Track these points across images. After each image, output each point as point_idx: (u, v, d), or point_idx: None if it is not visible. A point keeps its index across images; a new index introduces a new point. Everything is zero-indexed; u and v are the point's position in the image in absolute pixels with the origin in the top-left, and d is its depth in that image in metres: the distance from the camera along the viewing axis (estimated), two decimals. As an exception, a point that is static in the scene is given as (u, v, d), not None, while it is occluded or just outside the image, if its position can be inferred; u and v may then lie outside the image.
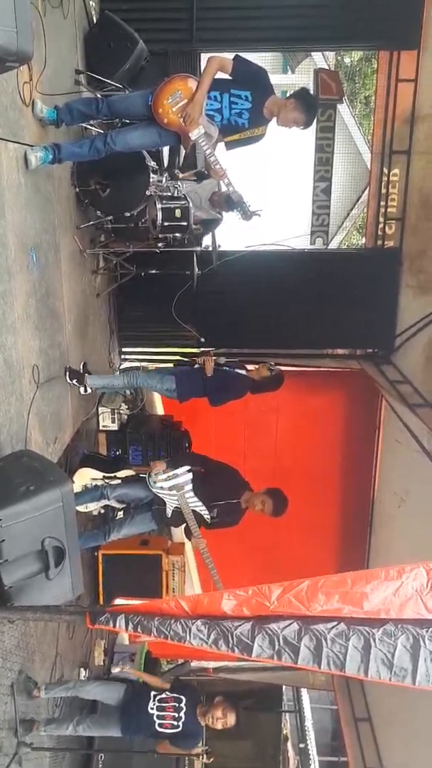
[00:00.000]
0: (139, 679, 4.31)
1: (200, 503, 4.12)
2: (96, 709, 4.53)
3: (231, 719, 3.78)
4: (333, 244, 9.33)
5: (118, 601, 4.83)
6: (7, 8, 2.43)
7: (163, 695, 3.87)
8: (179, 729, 3.78)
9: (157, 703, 3.83)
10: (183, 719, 3.78)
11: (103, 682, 4.31)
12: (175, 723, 3.78)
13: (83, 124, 4.23)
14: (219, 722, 3.77)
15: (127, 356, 6.58)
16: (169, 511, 4.20)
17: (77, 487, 4.75)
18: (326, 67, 9.32)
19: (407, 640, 2.02)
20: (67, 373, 4.14)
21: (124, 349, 6.46)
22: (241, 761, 8.25)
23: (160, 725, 3.78)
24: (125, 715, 3.87)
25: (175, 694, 3.87)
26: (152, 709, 3.81)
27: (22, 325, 3.33)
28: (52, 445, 3.91)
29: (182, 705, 3.82)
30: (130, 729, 3.87)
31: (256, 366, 4.78)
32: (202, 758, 4.91)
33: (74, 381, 4.20)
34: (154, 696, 3.87)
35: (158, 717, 3.79)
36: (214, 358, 4.73)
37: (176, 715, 3.79)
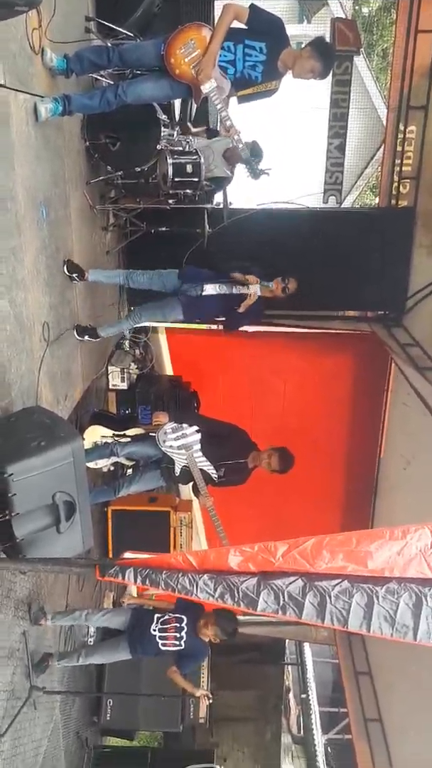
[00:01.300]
0: (145, 606, 4.43)
1: (208, 462, 4.17)
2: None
3: (212, 630, 3.89)
4: (346, 203, 9.14)
5: (127, 554, 4.93)
6: None
7: (166, 616, 4.01)
8: (182, 648, 3.95)
9: (159, 625, 3.97)
10: (185, 638, 3.94)
11: (110, 610, 4.44)
12: (177, 642, 3.94)
13: (93, 75, 4.11)
14: (211, 631, 3.91)
15: (137, 315, 6.54)
16: (177, 470, 4.25)
17: (87, 444, 4.80)
18: (343, 16, 8.95)
19: (410, 598, 2.06)
20: (76, 331, 4.13)
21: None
22: (244, 710, 8.57)
23: (163, 645, 3.95)
24: (131, 637, 4.04)
25: (177, 615, 4.01)
26: (155, 630, 3.96)
27: (32, 281, 3.31)
28: (63, 402, 3.95)
29: (183, 625, 3.97)
30: (136, 649, 4.04)
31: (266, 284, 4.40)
32: (206, 700, 5.11)
33: (85, 336, 4.20)
34: (158, 618, 4.01)
35: (161, 638, 3.94)
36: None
37: (177, 635, 3.95)
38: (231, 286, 4.26)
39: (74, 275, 3.96)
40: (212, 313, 4.57)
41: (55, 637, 4.28)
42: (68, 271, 3.90)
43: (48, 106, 3.34)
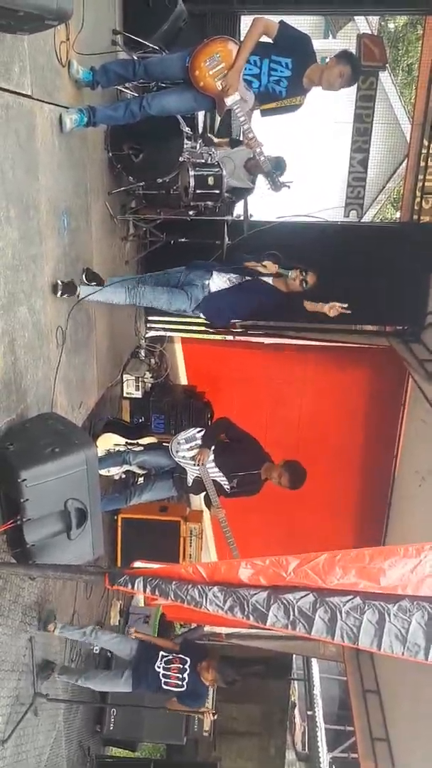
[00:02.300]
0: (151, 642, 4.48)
1: (220, 473, 4.16)
2: (110, 667, 4.72)
3: (211, 674, 4.04)
4: (367, 218, 9.13)
5: (137, 564, 4.92)
6: (46, -36, 2.38)
7: (170, 656, 4.11)
8: (184, 688, 4.05)
9: (164, 663, 4.08)
10: (187, 679, 4.04)
11: (119, 635, 4.47)
12: (180, 682, 4.04)
13: (118, 87, 4.16)
14: (210, 675, 4.04)
15: (153, 324, 6.59)
16: (189, 480, 4.25)
17: (100, 451, 4.81)
18: (369, 32, 8.97)
19: (422, 617, 2.03)
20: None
21: (149, 318, 6.46)
22: (248, 725, 8.50)
23: (166, 683, 4.05)
24: (135, 672, 4.12)
25: (181, 656, 4.11)
26: (159, 668, 4.06)
27: (52, 290, 3.35)
28: (77, 409, 3.97)
29: (186, 666, 4.07)
30: (140, 685, 4.13)
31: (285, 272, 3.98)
32: (211, 716, 5.13)
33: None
34: (162, 656, 4.10)
35: (164, 676, 4.05)
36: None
37: (180, 675, 4.05)
38: (242, 276, 3.97)
39: (93, 283, 3.93)
40: (224, 311, 4.09)
41: (62, 646, 4.28)
42: (87, 280, 3.89)
43: (73, 117, 3.39)
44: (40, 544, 2.73)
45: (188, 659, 4.09)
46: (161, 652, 4.14)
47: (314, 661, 9.58)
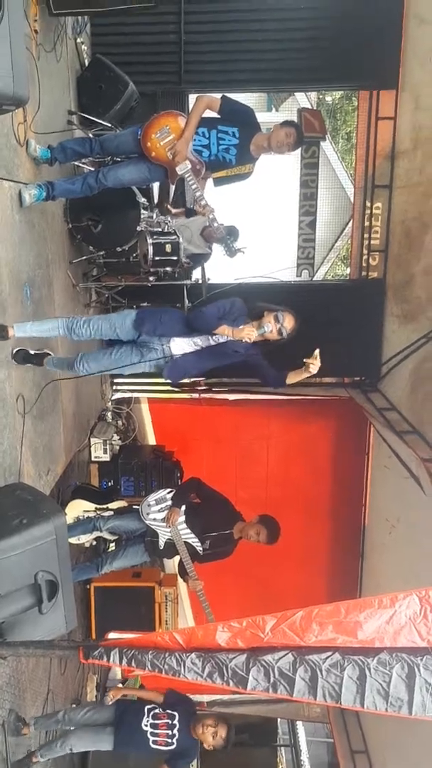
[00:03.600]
0: (133, 697, 4.22)
1: (192, 534, 4.13)
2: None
3: (222, 732, 3.73)
4: (318, 275, 9.51)
5: (112, 635, 4.77)
6: (4, 55, 2.53)
7: (157, 710, 3.81)
8: (174, 746, 3.74)
9: (151, 719, 3.77)
10: (177, 736, 3.74)
11: (93, 706, 4.21)
12: (169, 740, 3.75)
13: (76, 162, 4.34)
14: (209, 732, 3.71)
15: (119, 387, 6.62)
16: (161, 543, 4.19)
17: (69, 519, 4.73)
18: (309, 105, 9.62)
19: (402, 669, 2.03)
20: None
21: (115, 380, 6.49)
22: (236, 799, 8.06)
23: (154, 742, 3.75)
24: (119, 732, 3.80)
25: (168, 711, 3.82)
26: (146, 726, 3.75)
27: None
28: (45, 476, 3.92)
29: (175, 722, 3.77)
30: (123, 745, 3.81)
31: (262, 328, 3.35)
32: None
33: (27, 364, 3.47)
34: (149, 711, 3.80)
35: (152, 734, 3.75)
36: None
37: (170, 732, 3.76)
38: (209, 338, 3.41)
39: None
40: (190, 373, 3.61)
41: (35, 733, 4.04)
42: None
43: (32, 192, 3.51)
44: (11, 621, 2.65)
45: (176, 714, 3.79)
46: (147, 707, 3.82)
47: (300, 724, 9.25)
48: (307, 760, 9.06)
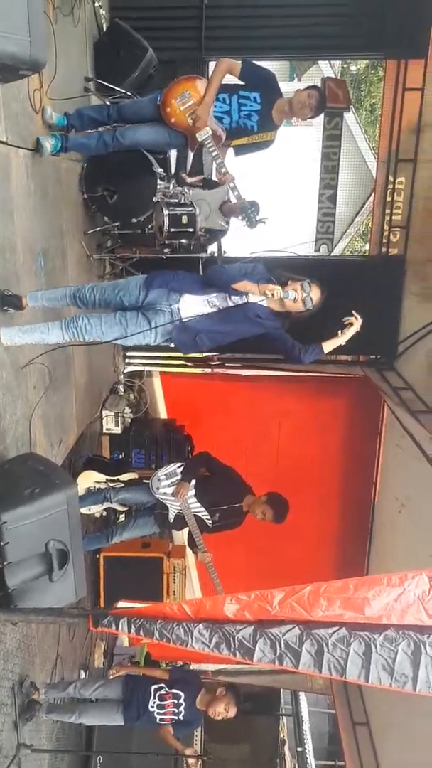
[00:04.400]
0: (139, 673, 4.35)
1: (202, 508, 4.15)
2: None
3: (232, 712, 3.92)
4: (337, 251, 9.37)
5: (121, 603, 4.85)
6: (21, 18, 2.47)
7: (162, 691, 3.95)
8: (179, 718, 3.95)
9: (157, 701, 3.92)
10: (183, 713, 3.92)
11: (104, 681, 4.34)
12: (175, 717, 3.94)
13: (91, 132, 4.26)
14: (220, 715, 3.90)
15: (131, 360, 6.61)
16: (171, 516, 4.23)
17: (81, 489, 4.77)
18: (333, 75, 9.37)
19: (408, 646, 2.04)
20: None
21: (128, 353, 6.49)
22: (238, 764, 8.28)
23: (162, 720, 3.94)
24: (127, 711, 3.97)
25: (173, 690, 3.96)
26: (152, 707, 3.91)
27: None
28: (57, 447, 3.95)
29: (181, 701, 3.94)
30: (133, 721, 3.99)
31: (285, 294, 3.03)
32: (200, 761, 4.97)
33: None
34: (155, 691, 3.95)
35: (158, 714, 3.92)
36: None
37: (176, 710, 3.93)
38: (227, 298, 3.05)
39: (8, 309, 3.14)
40: (202, 342, 3.12)
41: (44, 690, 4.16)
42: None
43: (51, 142, 3.46)
44: (22, 588, 2.69)
45: (182, 693, 3.94)
46: (153, 687, 3.97)
47: (302, 695, 9.42)
48: (308, 729, 9.25)
